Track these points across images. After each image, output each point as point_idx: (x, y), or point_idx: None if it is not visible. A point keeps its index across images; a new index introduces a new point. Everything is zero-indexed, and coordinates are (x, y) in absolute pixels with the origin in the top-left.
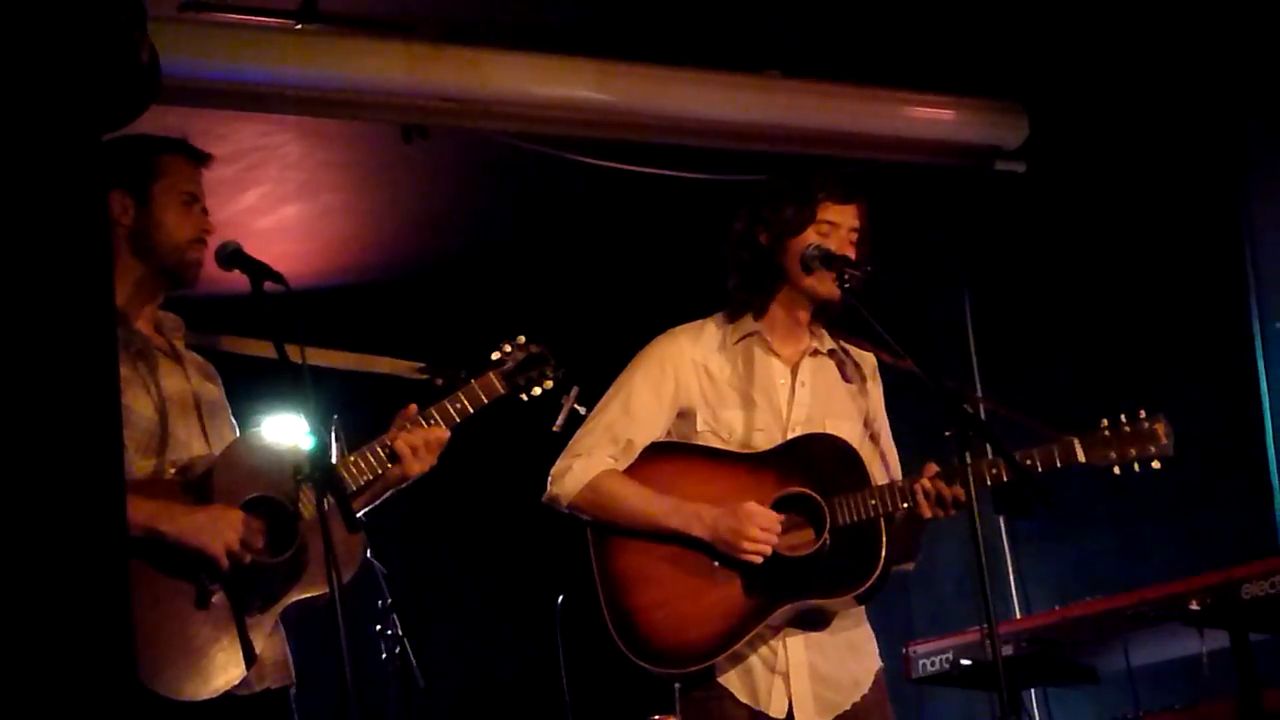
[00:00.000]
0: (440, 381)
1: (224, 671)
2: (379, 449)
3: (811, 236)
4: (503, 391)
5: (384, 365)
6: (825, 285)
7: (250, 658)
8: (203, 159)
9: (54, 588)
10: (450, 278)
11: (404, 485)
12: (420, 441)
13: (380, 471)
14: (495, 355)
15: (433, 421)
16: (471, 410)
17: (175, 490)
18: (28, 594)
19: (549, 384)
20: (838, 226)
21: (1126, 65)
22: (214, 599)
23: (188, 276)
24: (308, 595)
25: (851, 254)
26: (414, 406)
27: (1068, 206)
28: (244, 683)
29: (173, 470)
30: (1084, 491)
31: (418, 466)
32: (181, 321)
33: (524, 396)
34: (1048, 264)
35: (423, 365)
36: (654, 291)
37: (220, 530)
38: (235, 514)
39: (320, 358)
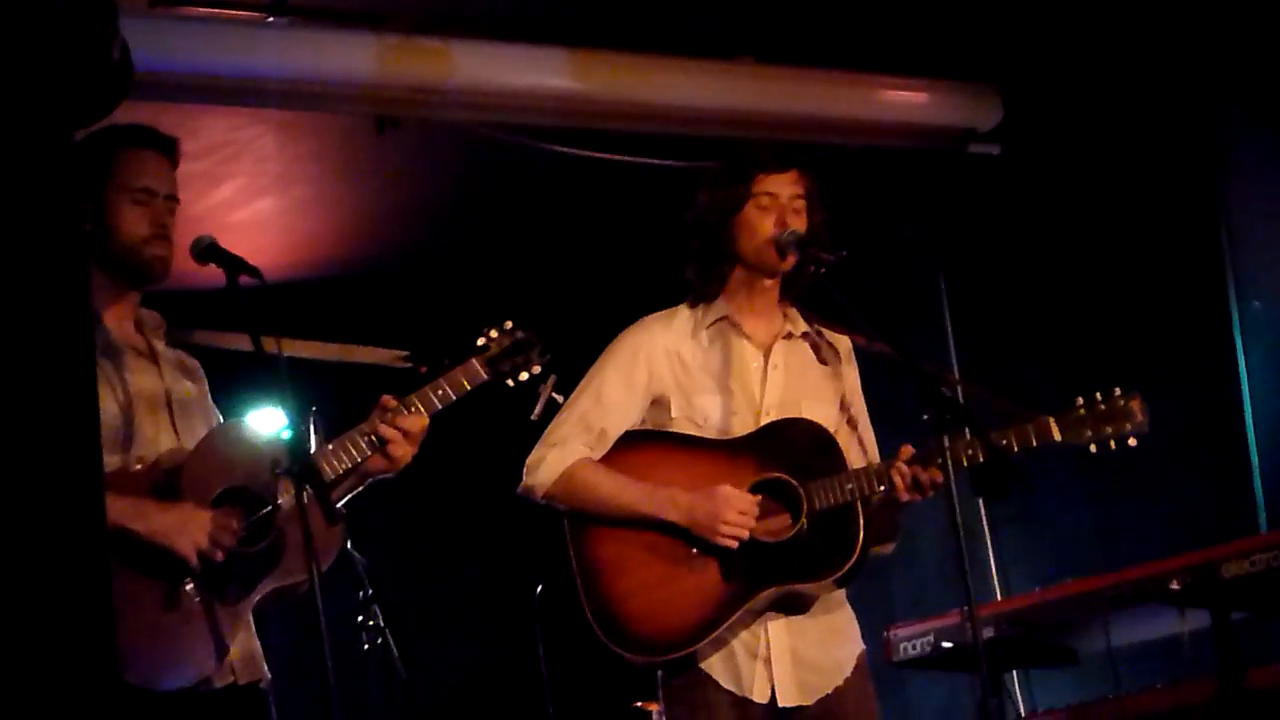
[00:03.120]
0: (424, 369)
1: (197, 662)
2: (358, 439)
3: (752, 211)
4: (486, 377)
5: (367, 355)
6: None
7: (223, 647)
8: (160, 144)
9: (36, 582)
10: (425, 268)
11: (384, 476)
12: (402, 430)
13: (359, 460)
14: (480, 341)
15: (414, 409)
16: (454, 397)
17: (143, 484)
18: (8, 589)
19: (536, 369)
20: (777, 196)
21: (1100, 46)
22: (186, 588)
23: (152, 273)
24: (283, 584)
25: (800, 221)
26: (391, 397)
27: (1043, 188)
28: (218, 674)
29: (139, 465)
30: (1063, 473)
31: (401, 455)
32: (162, 319)
33: (510, 382)
34: (1023, 246)
35: (406, 353)
36: (630, 279)
37: (189, 530)
38: (205, 514)
39: (302, 349)
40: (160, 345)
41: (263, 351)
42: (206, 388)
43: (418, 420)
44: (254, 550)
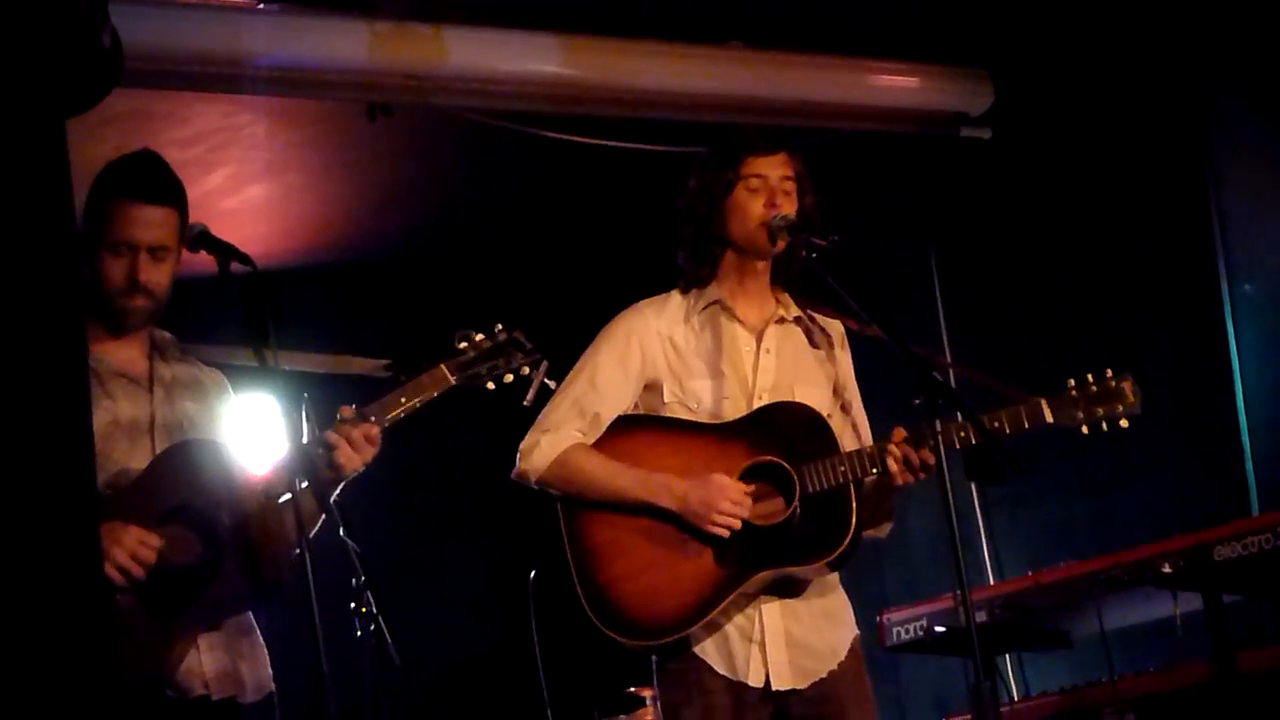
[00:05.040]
0: (404, 379)
1: (132, 674)
2: (312, 450)
3: (741, 194)
4: (454, 383)
5: (354, 365)
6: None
7: (162, 660)
8: (151, 193)
9: (33, 597)
10: (417, 255)
11: (338, 482)
12: (352, 438)
13: (313, 471)
14: (462, 344)
15: (371, 419)
16: (418, 403)
17: None
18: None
19: (525, 370)
20: (766, 178)
21: (1090, 30)
22: (124, 605)
23: (132, 323)
24: (229, 597)
25: (790, 204)
26: (348, 408)
27: (1034, 171)
28: (174, 687)
29: (109, 491)
30: (1055, 456)
31: (345, 461)
32: (173, 339)
33: (490, 385)
34: (1015, 229)
35: (389, 362)
36: (622, 265)
37: (104, 548)
38: (121, 530)
39: (293, 361)
40: (163, 367)
41: (263, 362)
42: (218, 398)
43: (366, 428)
44: (191, 566)
